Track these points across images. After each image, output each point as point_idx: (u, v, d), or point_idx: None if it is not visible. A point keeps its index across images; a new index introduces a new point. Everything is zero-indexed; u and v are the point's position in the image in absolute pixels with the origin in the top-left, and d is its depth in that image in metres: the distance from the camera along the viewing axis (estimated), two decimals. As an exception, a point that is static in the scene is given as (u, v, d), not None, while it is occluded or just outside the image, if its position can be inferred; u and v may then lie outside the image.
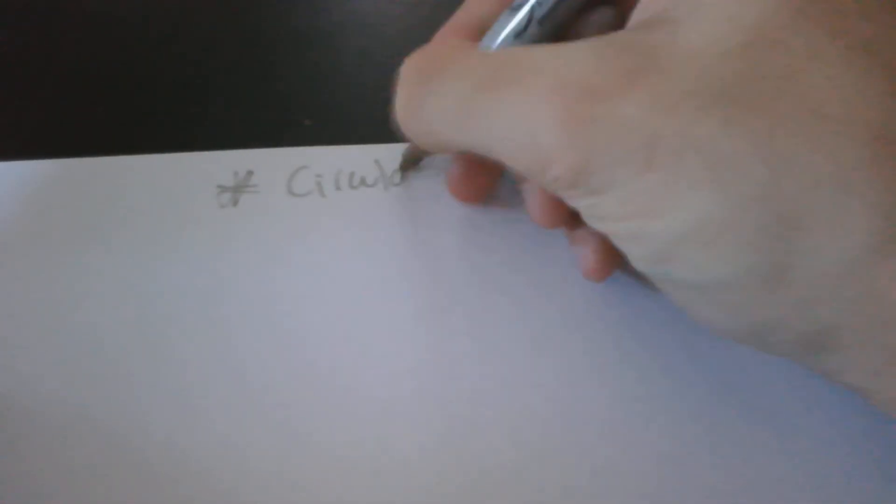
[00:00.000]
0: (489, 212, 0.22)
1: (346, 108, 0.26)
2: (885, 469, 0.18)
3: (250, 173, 0.23)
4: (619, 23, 0.17)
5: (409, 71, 0.18)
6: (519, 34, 0.18)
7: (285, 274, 0.21)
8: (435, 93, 0.17)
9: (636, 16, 0.16)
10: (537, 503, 0.18)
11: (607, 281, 0.21)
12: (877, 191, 0.13)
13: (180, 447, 0.18)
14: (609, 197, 0.14)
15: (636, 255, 0.15)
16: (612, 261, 0.20)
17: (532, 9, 0.17)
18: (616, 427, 0.19)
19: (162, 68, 0.27)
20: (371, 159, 0.24)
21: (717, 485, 0.18)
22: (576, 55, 0.15)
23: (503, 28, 0.18)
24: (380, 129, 0.25)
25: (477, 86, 0.16)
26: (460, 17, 0.20)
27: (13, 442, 0.18)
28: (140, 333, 0.20)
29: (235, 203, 0.22)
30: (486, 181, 0.22)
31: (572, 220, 0.20)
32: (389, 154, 0.24)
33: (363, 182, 0.23)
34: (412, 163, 0.23)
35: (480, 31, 0.19)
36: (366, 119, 0.25)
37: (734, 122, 0.13)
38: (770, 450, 0.18)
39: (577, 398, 0.19)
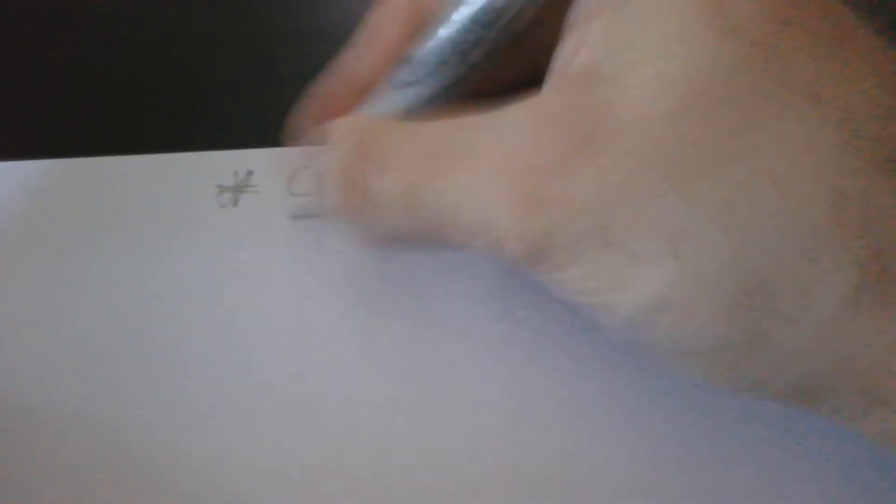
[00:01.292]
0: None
1: (346, 108, 0.26)
2: (886, 469, 0.18)
3: (250, 173, 0.23)
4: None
5: (345, 149, 0.16)
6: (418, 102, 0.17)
7: (285, 274, 0.21)
8: (377, 180, 0.16)
9: (560, 67, 0.15)
10: None
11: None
12: (841, 252, 0.12)
13: (180, 447, 0.18)
14: (572, 272, 0.14)
15: (608, 326, 0.15)
16: None
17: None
18: (618, 428, 0.18)
19: (162, 68, 0.27)
20: (371, 159, 0.23)
21: (717, 485, 0.18)
22: (514, 129, 0.14)
23: (388, 102, 0.17)
24: (380, 129, 0.25)
25: (419, 172, 0.15)
26: (342, 77, 0.19)
27: (13, 442, 0.18)
28: (140, 333, 0.20)
29: (235, 203, 0.22)
30: None
31: None
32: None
33: (363, 182, 0.23)
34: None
35: (363, 89, 0.18)
36: (366, 119, 0.25)
37: (689, 194, 0.13)
38: (771, 450, 0.18)
39: (577, 399, 0.19)
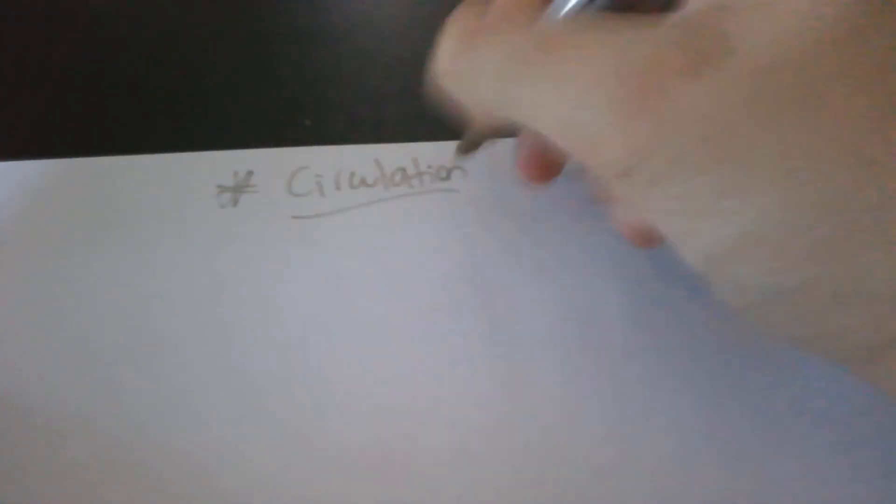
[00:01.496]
0: (487, 211, 0.22)
1: (346, 108, 0.26)
2: (887, 469, 0.18)
3: (250, 173, 0.23)
4: None
5: (456, 27, 0.16)
6: (588, 2, 0.16)
7: (285, 274, 0.21)
8: (480, 56, 0.15)
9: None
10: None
11: (612, 279, 0.21)
12: None
13: (179, 447, 0.18)
14: (662, 191, 0.13)
15: (686, 253, 0.14)
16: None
17: None
18: (619, 428, 0.18)
19: (162, 68, 0.27)
20: (371, 159, 0.24)
21: (718, 485, 0.18)
22: (639, 33, 0.14)
23: None
24: (380, 129, 0.25)
25: (526, 54, 0.15)
26: None
27: (13, 442, 0.18)
28: (140, 333, 0.20)
29: (235, 203, 0.22)
30: (556, 161, 0.20)
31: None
32: (389, 154, 0.24)
33: (363, 182, 0.23)
34: (473, 146, 0.22)
35: None
36: (366, 119, 0.25)
37: (814, 123, 0.12)
38: (771, 450, 0.18)
39: (580, 398, 0.19)
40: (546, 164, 0.20)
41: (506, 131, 0.20)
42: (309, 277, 0.21)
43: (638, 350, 0.20)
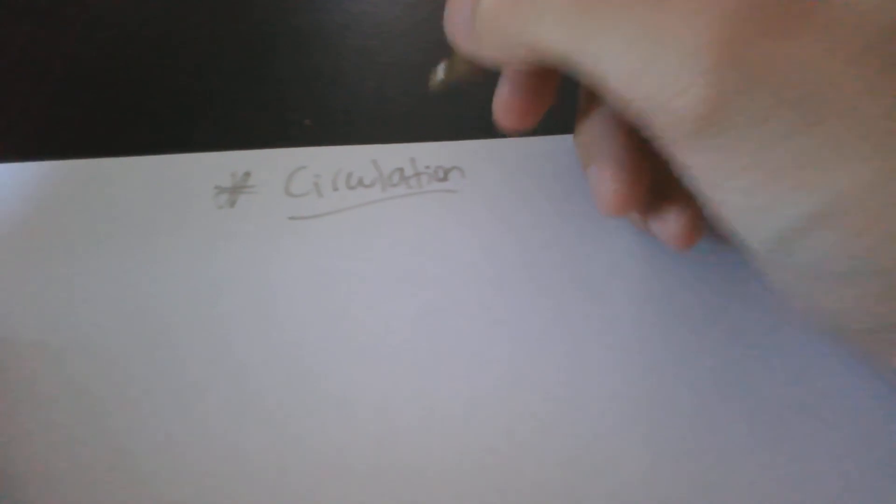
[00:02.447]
0: (485, 211, 0.22)
1: (346, 108, 0.26)
2: (890, 470, 0.18)
3: (248, 174, 0.23)
4: None
5: None
6: None
7: (283, 274, 0.21)
8: None
9: None
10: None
11: (611, 279, 0.21)
12: None
13: (178, 446, 0.18)
14: (744, 155, 0.12)
15: (756, 234, 0.13)
16: (702, 222, 0.17)
17: None
18: (620, 428, 0.18)
19: (161, 68, 0.27)
20: (368, 159, 0.23)
21: (717, 485, 0.18)
22: None
23: None
24: (379, 129, 0.25)
25: None
26: None
27: (12, 442, 0.18)
28: (138, 334, 0.20)
29: (233, 204, 0.22)
30: (540, 105, 0.19)
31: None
32: (387, 154, 0.24)
33: (361, 182, 0.23)
34: (451, 80, 0.20)
35: None
36: (365, 119, 0.25)
37: None
38: (772, 451, 0.18)
39: (580, 398, 0.19)
40: (526, 108, 0.19)
41: (486, 74, 0.19)
42: (306, 278, 0.21)
43: (638, 349, 0.20)
